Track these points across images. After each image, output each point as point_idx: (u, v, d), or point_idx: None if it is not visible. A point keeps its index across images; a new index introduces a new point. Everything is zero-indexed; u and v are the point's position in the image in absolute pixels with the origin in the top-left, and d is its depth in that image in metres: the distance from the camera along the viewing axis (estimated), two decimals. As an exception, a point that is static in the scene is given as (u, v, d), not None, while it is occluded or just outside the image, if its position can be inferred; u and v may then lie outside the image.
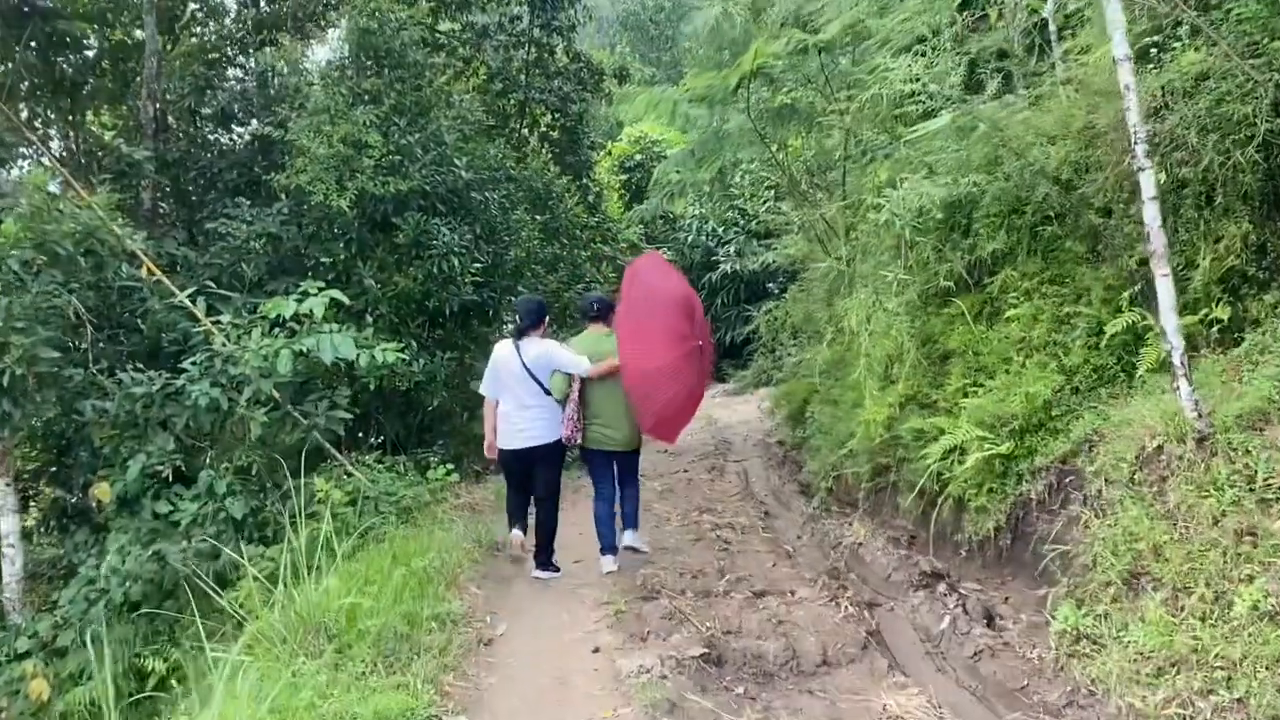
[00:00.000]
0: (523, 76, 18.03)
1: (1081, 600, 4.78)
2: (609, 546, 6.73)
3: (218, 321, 8.70)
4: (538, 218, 13.88)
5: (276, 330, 8.57)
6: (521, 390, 6.59)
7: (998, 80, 6.94)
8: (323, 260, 10.89)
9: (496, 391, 6.77)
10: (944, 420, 6.65)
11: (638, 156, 24.55)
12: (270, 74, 11.79)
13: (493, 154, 12.61)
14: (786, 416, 13.41)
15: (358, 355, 8.49)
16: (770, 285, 21.88)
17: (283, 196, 11.33)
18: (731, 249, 22.60)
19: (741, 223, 22.87)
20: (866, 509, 7.78)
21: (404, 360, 9.37)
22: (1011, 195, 6.44)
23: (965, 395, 6.61)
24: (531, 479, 6.81)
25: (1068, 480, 5.59)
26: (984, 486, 6.15)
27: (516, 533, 6.93)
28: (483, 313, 12.25)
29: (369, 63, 10.57)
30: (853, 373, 9.37)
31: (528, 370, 6.56)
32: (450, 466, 9.34)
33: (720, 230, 23.24)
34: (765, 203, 22.34)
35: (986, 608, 5.53)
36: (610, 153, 23.99)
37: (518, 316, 7.01)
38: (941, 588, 5.92)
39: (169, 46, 13.61)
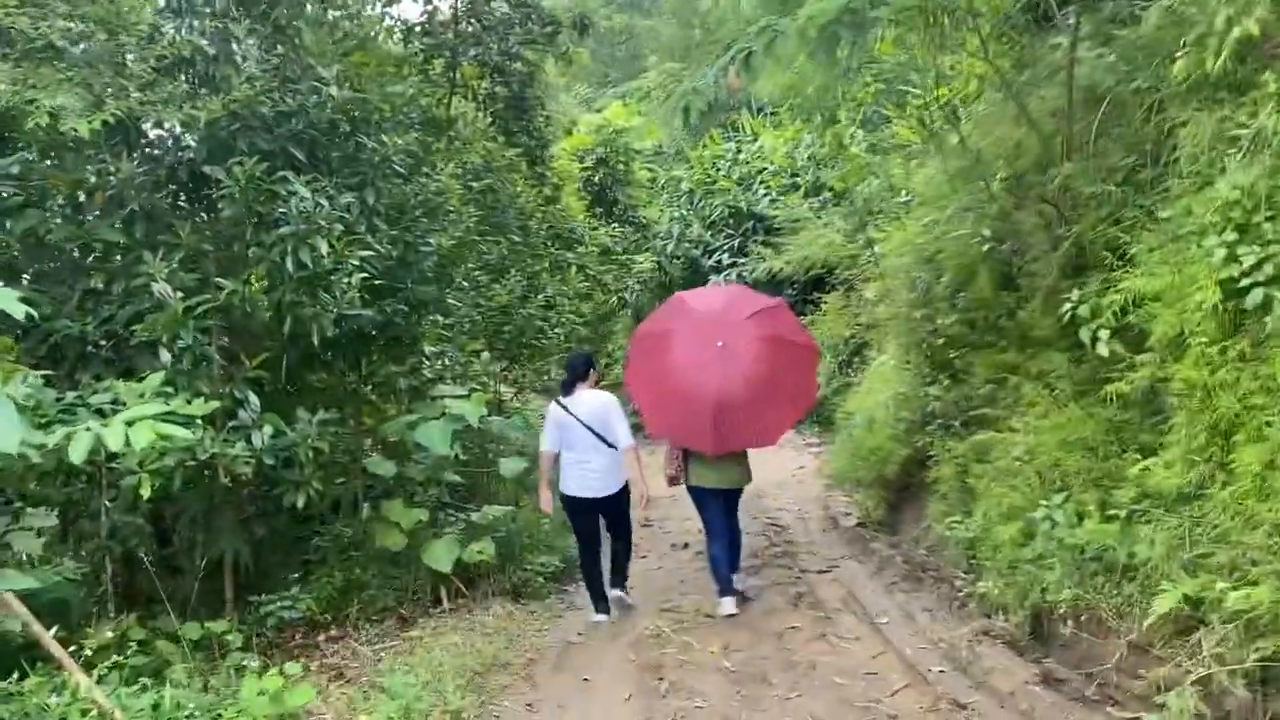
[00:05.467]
0: (450, 33, 13.34)
1: None
2: (726, 589, 6.41)
3: None
4: (473, 187, 9.13)
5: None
6: (580, 444, 6.38)
7: None
8: (93, 249, 6.09)
9: (557, 444, 6.49)
10: None
11: (599, 150, 19.86)
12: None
13: (399, 91, 7.83)
14: (874, 485, 8.73)
15: (95, 436, 3.68)
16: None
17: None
18: (724, 257, 18.02)
19: (734, 222, 18.30)
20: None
21: (227, 439, 4.62)
22: None
23: None
24: (599, 525, 6.61)
25: None
26: None
27: (602, 618, 6.50)
28: (391, 341, 7.41)
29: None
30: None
31: (583, 424, 6.35)
32: (309, 689, 4.50)
33: (708, 235, 18.62)
34: (766, 195, 17.90)
35: None
36: (568, 136, 19.32)
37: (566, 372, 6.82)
38: None
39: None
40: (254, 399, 5.97)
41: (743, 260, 17.52)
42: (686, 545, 8.51)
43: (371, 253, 6.26)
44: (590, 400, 6.45)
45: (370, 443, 8.08)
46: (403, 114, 7.70)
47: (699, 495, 6.55)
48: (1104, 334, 4.54)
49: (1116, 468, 4.86)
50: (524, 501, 8.18)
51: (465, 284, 8.78)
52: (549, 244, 12.28)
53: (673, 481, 6.59)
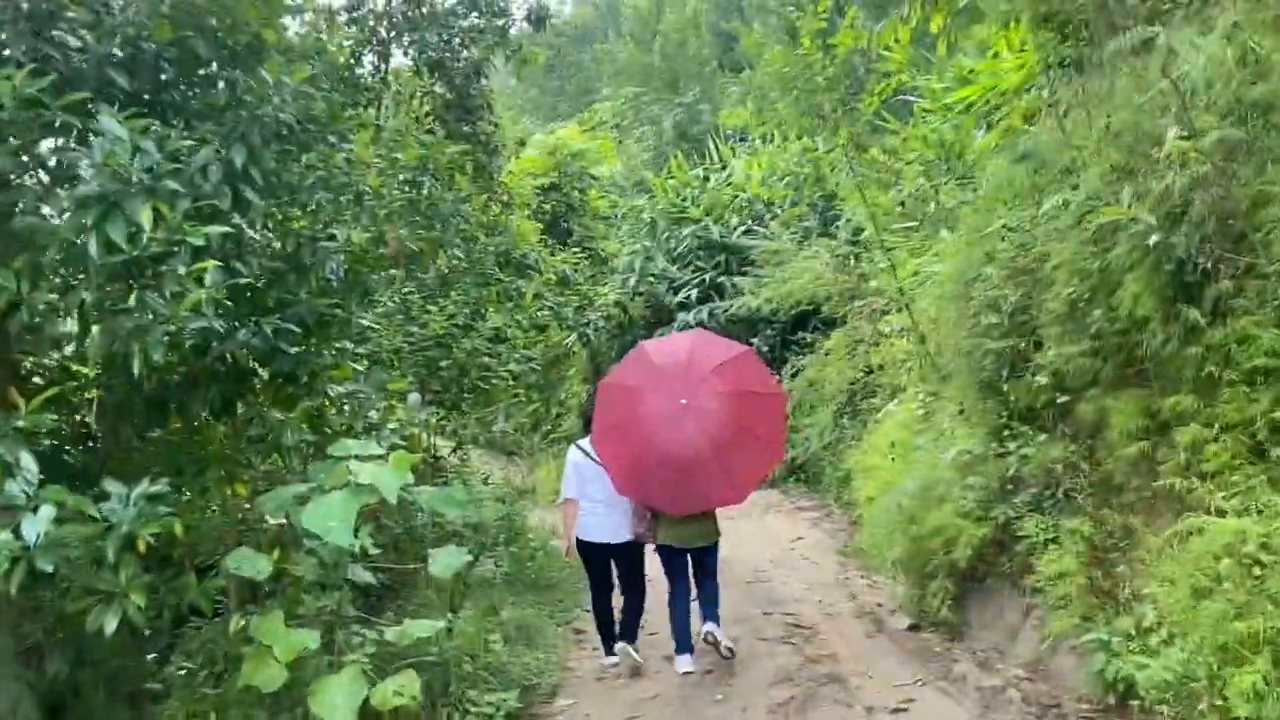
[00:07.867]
0: (382, 24, 11.37)
1: None
2: (684, 646, 6.17)
3: None
4: (399, 176, 6.93)
5: None
6: (595, 490, 6.33)
7: None
8: None
9: (578, 491, 6.40)
10: None
11: (552, 175, 17.83)
12: None
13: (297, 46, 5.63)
14: (937, 575, 6.65)
15: None
16: (754, 340, 15.29)
17: None
18: (693, 293, 15.99)
19: (705, 255, 16.31)
20: None
21: None
22: None
23: None
24: (612, 572, 6.52)
25: None
26: None
27: (614, 660, 6.39)
28: (279, 377, 5.16)
29: None
30: None
31: (603, 468, 6.22)
32: None
33: (673, 269, 16.58)
34: (740, 227, 15.99)
35: None
36: (515, 159, 17.25)
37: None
38: None
39: None
40: (29, 462, 3.70)
41: (714, 297, 15.54)
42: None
43: (231, 230, 4.03)
44: None
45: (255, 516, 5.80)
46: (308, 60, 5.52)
47: (665, 553, 6.30)
48: None
49: None
50: (466, 610, 5.89)
51: (389, 301, 6.55)
52: (499, 266, 10.11)
53: (640, 539, 6.27)
